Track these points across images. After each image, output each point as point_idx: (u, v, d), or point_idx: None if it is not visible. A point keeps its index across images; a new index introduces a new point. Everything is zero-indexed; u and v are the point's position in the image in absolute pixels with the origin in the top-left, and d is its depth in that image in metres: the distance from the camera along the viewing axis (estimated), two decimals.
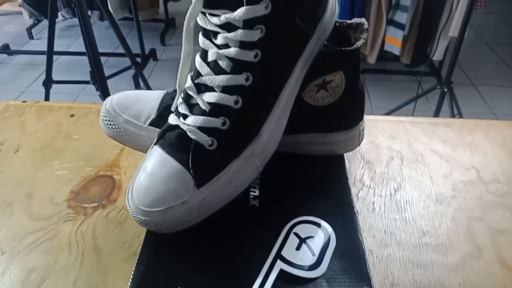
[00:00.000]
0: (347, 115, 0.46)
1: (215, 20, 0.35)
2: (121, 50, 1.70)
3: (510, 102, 2.09)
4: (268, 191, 0.42)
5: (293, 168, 0.46)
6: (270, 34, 0.35)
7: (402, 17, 1.98)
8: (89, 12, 2.30)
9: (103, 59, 1.50)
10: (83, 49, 1.48)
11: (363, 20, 0.43)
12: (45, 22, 2.62)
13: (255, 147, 0.38)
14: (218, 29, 0.35)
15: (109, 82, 1.58)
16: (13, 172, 0.50)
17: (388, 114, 1.81)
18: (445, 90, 1.63)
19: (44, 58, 1.60)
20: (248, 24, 0.34)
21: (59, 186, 0.48)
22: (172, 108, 0.40)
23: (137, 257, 0.36)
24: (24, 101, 0.63)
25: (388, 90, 2.18)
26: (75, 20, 2.39)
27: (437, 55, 2.03)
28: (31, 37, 2.63)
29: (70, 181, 0.48)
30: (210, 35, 0.37)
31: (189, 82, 0.38)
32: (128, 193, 0.37)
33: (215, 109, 0.37)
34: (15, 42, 2.57)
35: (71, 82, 1.88)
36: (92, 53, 1.35)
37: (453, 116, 1.63)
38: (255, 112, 0.38)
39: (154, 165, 0.37)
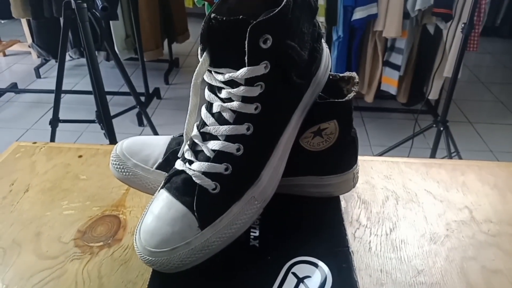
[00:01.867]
0: (341, 159, 0.48)
1: (220, 77, 0.38)
2: (126, 88, 1.75)
3: (506, 139, 2.12)
4: (268, 231, 0.44)
5: (292, 209, 0.48)
6: (269, 89, 0.39)
7: (397, 59, 2.04)
8: (96, 53, 2.37)
9: (108, 97, 1.54)
10: (89, 88, 1.51)
11: (354, 74, 0.47)
12: (53, 62, 2.71)
13: (255, 190, 0.41)
14: (222, 85, 0.39)
15: (113, 120, 1.62)
16: (23, 212, 0.51)
17: (386, 151, 1.83)
18: (441, 128, 1.66)
19: (50, 96, 1.64)
20: (249, 81, 0.38)
21: (66, 226, 0.49)
22: (179, 155, 0.43)
23: None
24: (35, 142, 0.65)
25: (386, 128, 2.22)
26: (82, 60, 2.48)
27: (433, 94, 2.07)
28: (38, 76, 2.70)
29: (77, 220, 0.49)
30: (215, 89, 0.40)
31: (195, 131, 0.41)
32: (135, 234, 0.39)
33: (218, 156, 0.39)
34: (23, 80, 2.64)
35: (77, 121, 1.91)
36: (99, 94, 1.39)
37: (450, 153, 1.65)
38: (255, 158, 0.40)
39: (161, 208, 0.39)
